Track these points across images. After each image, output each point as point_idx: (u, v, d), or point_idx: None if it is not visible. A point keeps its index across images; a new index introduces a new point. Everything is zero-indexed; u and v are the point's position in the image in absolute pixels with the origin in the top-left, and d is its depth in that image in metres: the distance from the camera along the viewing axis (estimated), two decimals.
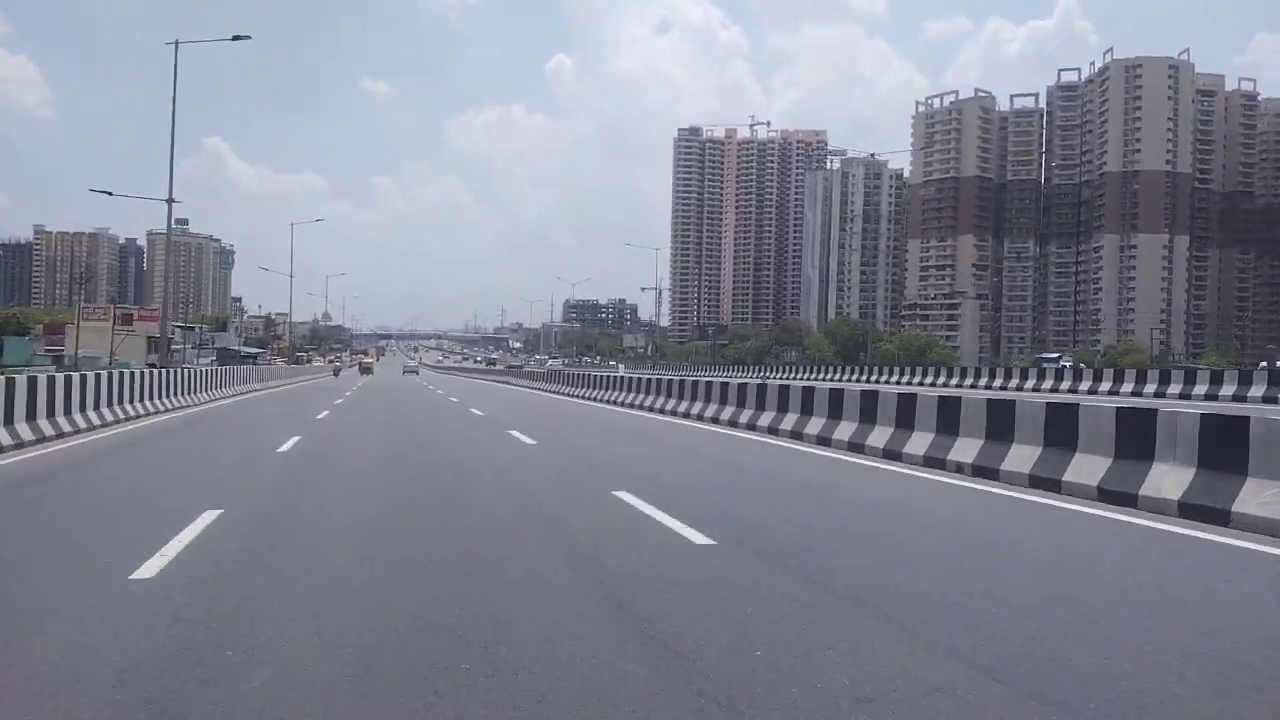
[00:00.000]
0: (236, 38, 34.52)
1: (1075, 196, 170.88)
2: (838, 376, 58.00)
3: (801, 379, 54.09)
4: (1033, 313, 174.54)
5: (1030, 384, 37.61)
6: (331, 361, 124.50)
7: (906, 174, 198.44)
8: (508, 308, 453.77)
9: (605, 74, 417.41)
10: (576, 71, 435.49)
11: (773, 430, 16.94)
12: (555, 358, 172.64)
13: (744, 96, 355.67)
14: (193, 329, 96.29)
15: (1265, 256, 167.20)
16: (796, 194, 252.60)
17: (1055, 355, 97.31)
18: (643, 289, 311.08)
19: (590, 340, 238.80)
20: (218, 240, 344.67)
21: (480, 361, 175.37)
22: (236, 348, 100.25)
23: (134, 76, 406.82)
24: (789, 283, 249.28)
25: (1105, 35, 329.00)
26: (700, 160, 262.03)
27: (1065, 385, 35.73)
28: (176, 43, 32.71)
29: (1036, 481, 9.72)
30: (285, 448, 14.32)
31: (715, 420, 20.01)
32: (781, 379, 51.13)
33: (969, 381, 42.72)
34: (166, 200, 35.49)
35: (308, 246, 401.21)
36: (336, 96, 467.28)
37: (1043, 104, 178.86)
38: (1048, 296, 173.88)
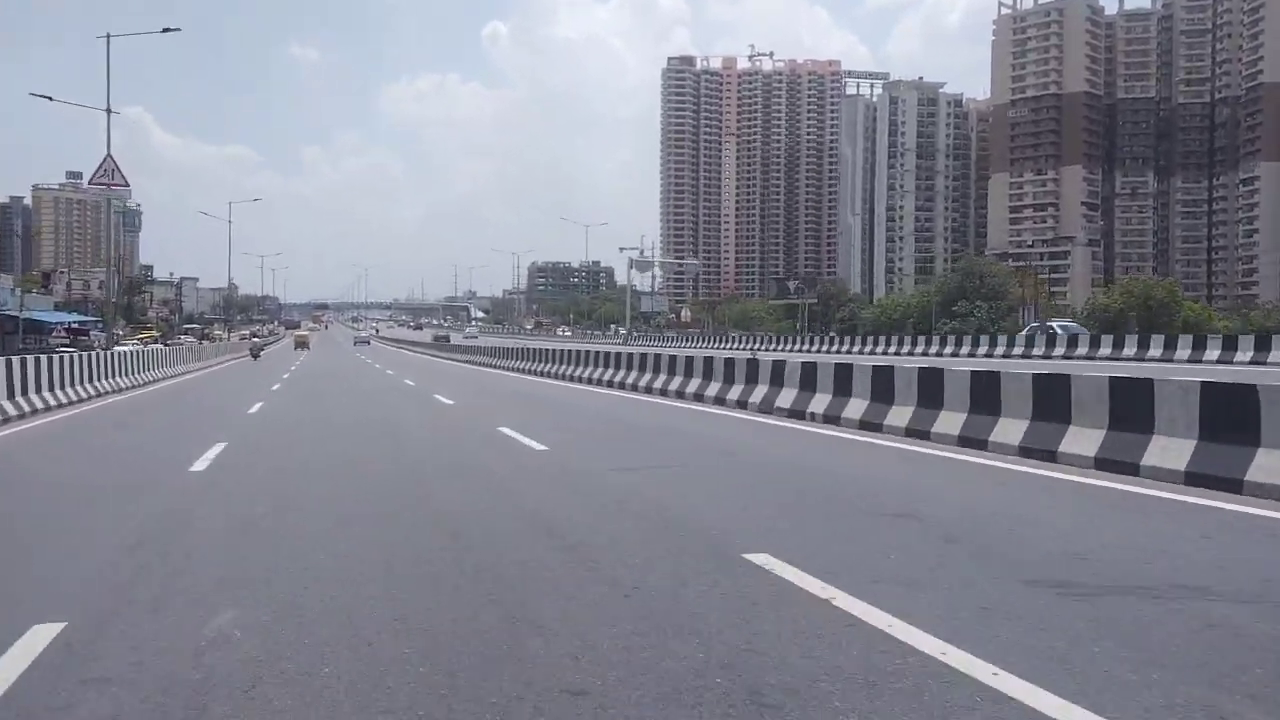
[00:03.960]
0: (166, 30, 34.01)
1: (1207, 118, 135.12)
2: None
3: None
4: (1153, 262, 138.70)
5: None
6: (247, 337, 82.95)
7: (975, 98, 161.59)
8: (460, 275, 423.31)
9: (542, 42, 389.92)
10: (512, 40, 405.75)
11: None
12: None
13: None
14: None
15: None
16: (812, 131, 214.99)
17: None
18: (621, 249, 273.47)
19: (569, 305, 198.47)
20: (119, 199, 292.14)
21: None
22: (41, 317, 55.62)
23: (51, 45, 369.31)
24: (804, 234, 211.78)
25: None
26: (695, 96, 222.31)
27: None
28: (109, 36, 32.32)
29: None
30: None
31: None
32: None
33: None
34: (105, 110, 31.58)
35: (235, 218, 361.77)
36: (264, 64, 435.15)
37: (1158, 5, 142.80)
38: (1170, 242, 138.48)
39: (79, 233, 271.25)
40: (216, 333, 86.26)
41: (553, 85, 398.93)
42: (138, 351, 31.13)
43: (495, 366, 39.77)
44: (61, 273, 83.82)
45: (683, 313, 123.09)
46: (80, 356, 21.49)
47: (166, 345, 49.24)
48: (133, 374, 26.41)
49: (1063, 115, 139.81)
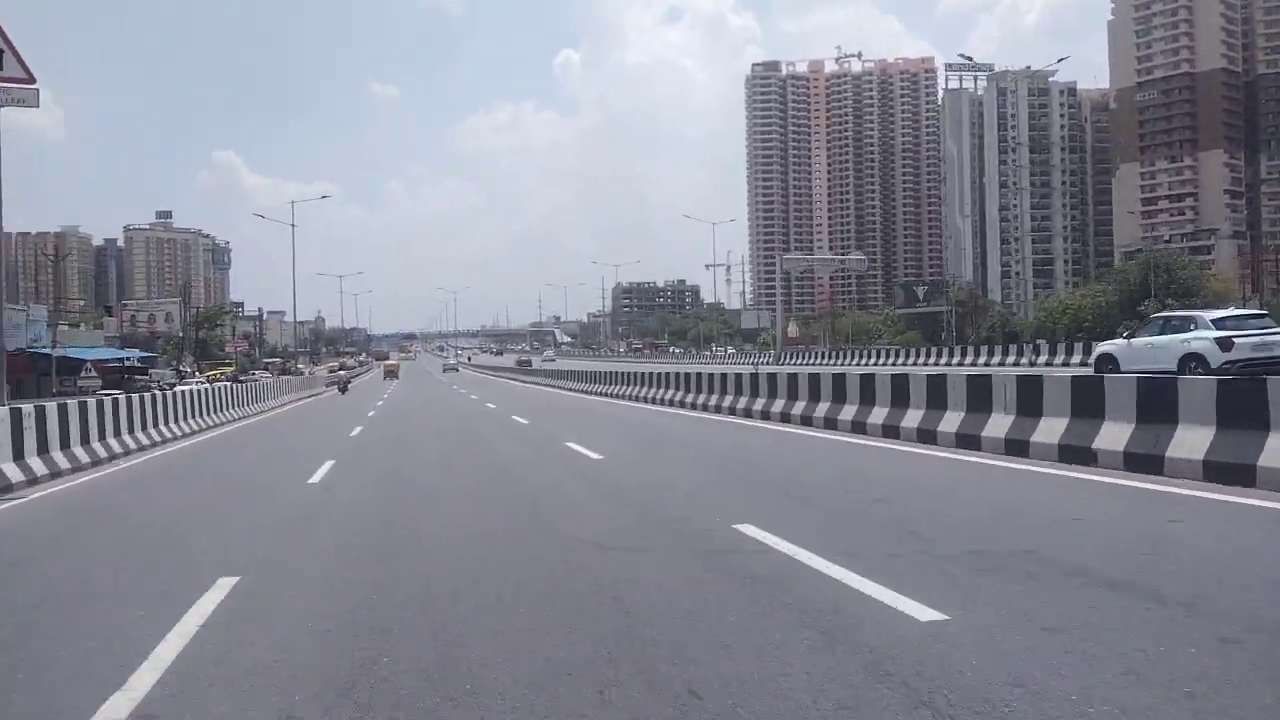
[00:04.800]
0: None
1: None
2: None
3: None
4: None
5: None
6: (334, 370, 76.74)
7: (1091, 85, 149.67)
8: (544, 299, 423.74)
9: (613, 67, 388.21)
10: (584, 67, 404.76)
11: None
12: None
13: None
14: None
15: None
16: (907, 132, 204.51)
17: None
18: (707, 266, 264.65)
19: (661, 325, 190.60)
20: (208, 236, 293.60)
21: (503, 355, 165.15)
22: (89, 359, 47.95)
23: (142, 95, 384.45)
24: (904, 241, 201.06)
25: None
26: (781, 102, 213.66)
27: None
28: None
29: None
30: None
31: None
32: None
33: None
34: None
35: (319, 251, 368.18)
36: (346, 103, 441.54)
37: None
38: None
39: (169, 271, 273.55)
40: (298, 366, 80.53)
41: (625, 109, 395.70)
42: (196, 392, 24.49)
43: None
44: (125, 305, 78.44)
45: (789, 327, 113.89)
46: (100, 404, 15.91)
47: (238, 382, 42.62)
48: (184, 419, 21.28)
49: (1197, 96, 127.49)
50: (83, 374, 39.41)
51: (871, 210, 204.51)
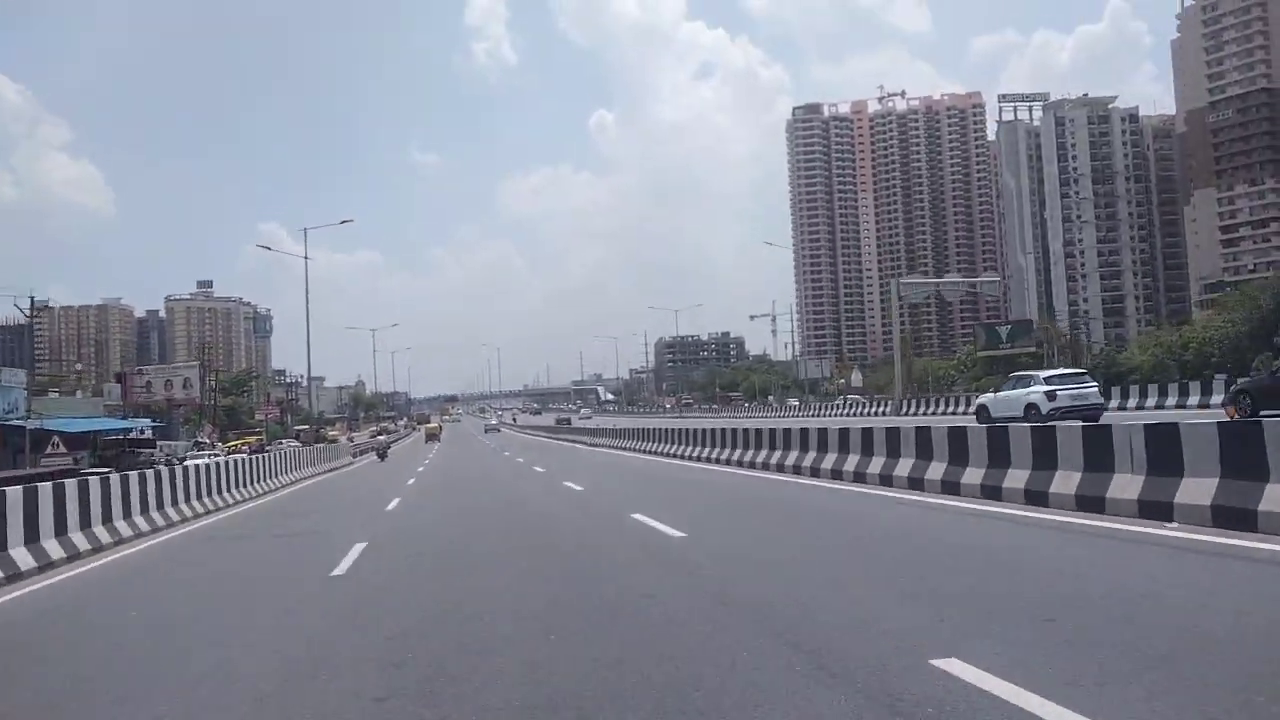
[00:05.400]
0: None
1: None
2: None
3: None
4: None
5: None
6: (379, 434, 70.97)
7: (1150, 112, 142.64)
8: (586, 357, 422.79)
9: (648, 125, 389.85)
10: (619, 126, 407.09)
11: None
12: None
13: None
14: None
15: None
16: (957, 170, 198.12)
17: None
18: (751, 317, 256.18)
19: (709, 379, 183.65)
20: (250, 305, 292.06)
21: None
22: (71, 431, 39.55)
23: (188, 173, 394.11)
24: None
25: (1161, 35, 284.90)
26: (824, 144, 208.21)
27: None
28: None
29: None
30: None
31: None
32: None
33: None
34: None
35: (362, 318, 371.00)
36: (388, 172, 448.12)
37: None
38: None
39: (211, 341, 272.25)
40: (332, 433, 74.92)
41: (661, 166, 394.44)
42: (202, 468, 19.04)
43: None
44: (139, 372, 72.78)
45: (852, 376, 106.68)
46: (59, 490, 12.61)
47: (263, 452, 36.65)
48: (181, 503, 17.77)
49: (1279, 113, 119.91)
50: (49, 450, 33.25)
51: (923, 251, 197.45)
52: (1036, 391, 24.58)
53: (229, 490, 21.32)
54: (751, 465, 21.56)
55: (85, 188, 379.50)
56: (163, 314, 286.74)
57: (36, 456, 32.98)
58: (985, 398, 29.23)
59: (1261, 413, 18.33)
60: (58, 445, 33.12)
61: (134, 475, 15.93)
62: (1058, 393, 24.02)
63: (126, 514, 14.83)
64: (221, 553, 12.90)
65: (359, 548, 11.17)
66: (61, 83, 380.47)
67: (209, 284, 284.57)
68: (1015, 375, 29.75)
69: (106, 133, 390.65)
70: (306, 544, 12.89)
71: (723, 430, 26.15)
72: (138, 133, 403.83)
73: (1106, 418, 20.91)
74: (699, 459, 25.99)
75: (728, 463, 23.38)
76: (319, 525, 15.38)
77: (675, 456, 28.83)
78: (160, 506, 16.34)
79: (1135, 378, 52.56)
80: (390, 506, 17.81)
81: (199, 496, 18.88)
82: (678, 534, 10.61)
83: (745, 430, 24.02)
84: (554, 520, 13.85)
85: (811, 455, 18.24)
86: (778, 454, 20.25)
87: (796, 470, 18.42)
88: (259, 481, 25.35)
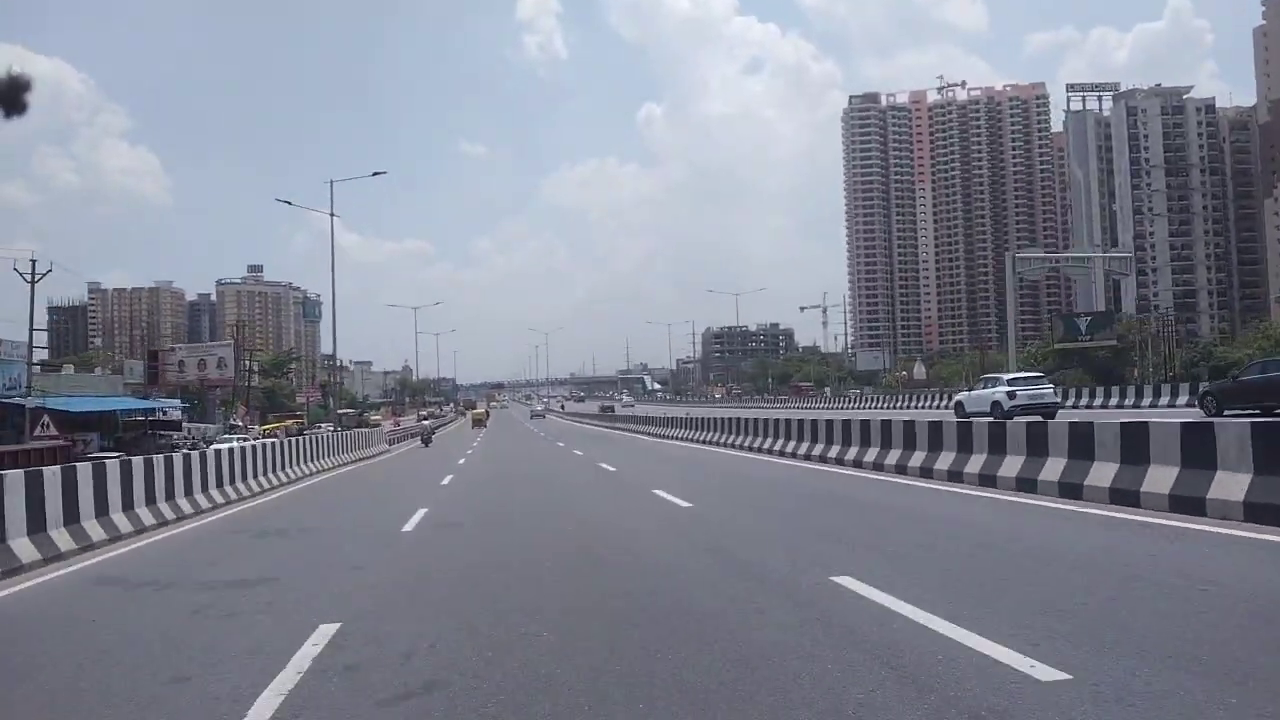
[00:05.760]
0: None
1: None
2: None
3: None
4: None
5: None
6: (424, 418, 68.65)
7: (1226, 103, 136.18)
8: (632, 347, 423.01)
9: (696, 119, 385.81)
10: (666, 120, 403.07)
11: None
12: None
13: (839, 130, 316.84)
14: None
15: None
16: (1019, 162, 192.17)
17: None
18: (802, 308, 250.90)
19: (758, 370, 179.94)
20: (299, 289, 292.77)
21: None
22: (62, 407, 36.13)
23: (244, 163, 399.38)
24: (1017, 278, 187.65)
25: (1223, 33, 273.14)
26: (881, 135, 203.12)
27: None
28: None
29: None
30: None
31: None
32: None
33: None
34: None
35: (414, 307, 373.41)
36: (437, 163, 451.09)
37: None
38: None
39: (260, 324, 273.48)
40: (374, 417, 72.49)
41: (708, 160, 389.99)
42: (224, 453, 17.24)
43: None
44: (171, 350, 70.44)
45: (915, 369, 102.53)
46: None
47: (301, 434, 34.19)
48: (196, 492, 15.70)
49: None
50: (38, 430, 30.56)
51: (983, 245, 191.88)
52: (1000, 391, 28.31)
53: (253, 478, 18.86)
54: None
55: (143, 175, 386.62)
56: (213, 298, 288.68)
57: (34, 434, 30.78)
58: (962, 395, 33.85)
59: (1225, 412, 21.38)
60: (47, 425, 30.45)
61: (138, 461, 13.53)
62: (1017, 392, 27.85)
63: (129, 505, 12.70)
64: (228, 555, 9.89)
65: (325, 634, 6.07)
66: (122, 71, 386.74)
67: (259, 268, 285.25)
68: (985, 377, 33.86)
69: (165, 121, 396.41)
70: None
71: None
72: (196, 122, 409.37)
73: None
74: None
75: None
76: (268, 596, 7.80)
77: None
78: (157, 500, 13.70)
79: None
80: (410, 525, 12.29)
81: (213, 486, 16.47)
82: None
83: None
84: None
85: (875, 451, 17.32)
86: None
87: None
88: (298, 464, 22.97)
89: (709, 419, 33.56)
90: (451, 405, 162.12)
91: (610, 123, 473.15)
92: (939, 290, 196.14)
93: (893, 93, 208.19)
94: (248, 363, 60.91)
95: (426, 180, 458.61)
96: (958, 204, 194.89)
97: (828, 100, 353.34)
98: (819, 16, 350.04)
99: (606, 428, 59.52)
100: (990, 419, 14.85)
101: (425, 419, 72.24)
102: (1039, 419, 15.21)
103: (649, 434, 42.17)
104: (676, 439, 35.25)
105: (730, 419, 30.09)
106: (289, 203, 70.14)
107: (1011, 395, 27.40)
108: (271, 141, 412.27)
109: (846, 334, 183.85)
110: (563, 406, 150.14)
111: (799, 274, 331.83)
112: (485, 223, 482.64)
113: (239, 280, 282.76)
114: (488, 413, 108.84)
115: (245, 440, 32.57)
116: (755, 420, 26.63)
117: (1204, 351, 61.57)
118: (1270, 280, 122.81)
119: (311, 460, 25.89)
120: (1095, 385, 53.32)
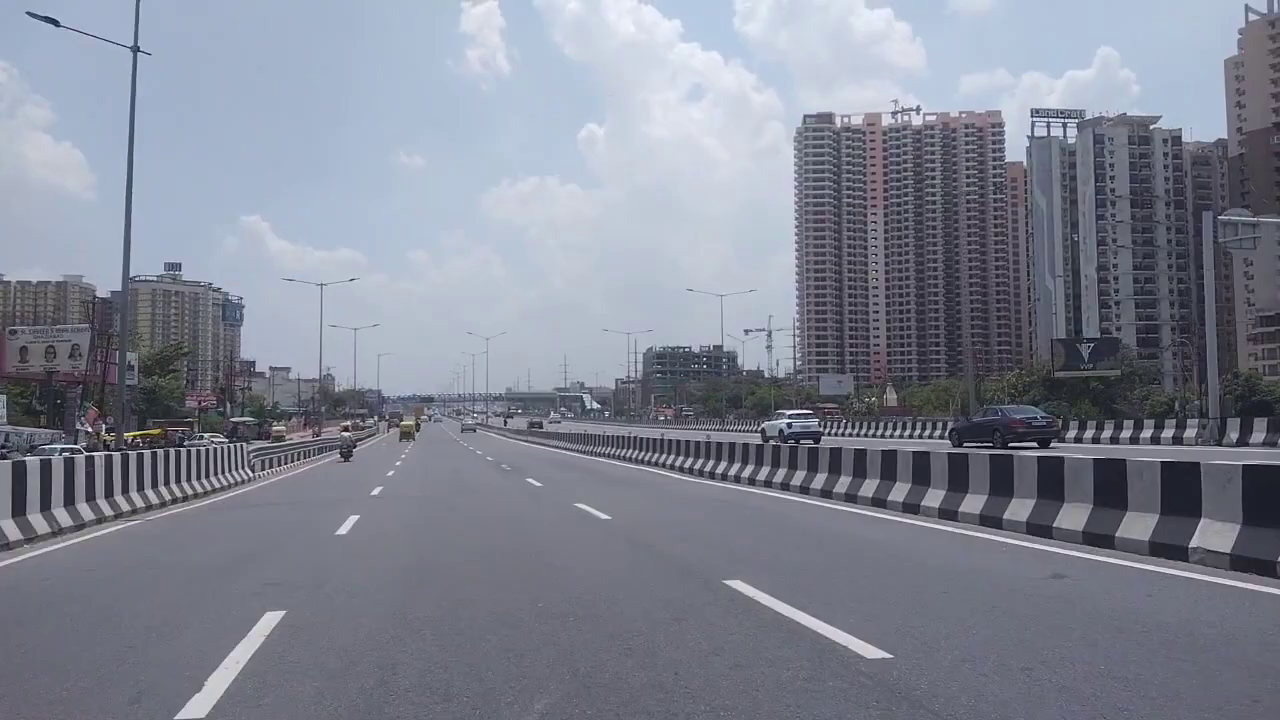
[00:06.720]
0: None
1: None
2: None
3: None
4: None
5: None
6: (346, 429, 58.92)
7: (1193, 136, 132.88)
8: (569, 365, 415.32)
9: (637, 142, 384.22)
10: (608, 141, 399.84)
11: None
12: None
13: (779, 159, 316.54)
14: None
15: None
16: (973, 190, 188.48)
17: None
18: (746, 331, 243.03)
19: (708, 392, 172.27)
20: (219, 290, 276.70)
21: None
22: None
23: (173, 162, 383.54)
24: (969, 305, 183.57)
25: (1148, 85, 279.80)
26: (835, 155, 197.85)
27: None
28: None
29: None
30: None
31: None
32: None
33: None
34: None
35: (342, 316, 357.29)
36: (373, 172, 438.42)
37: None
38: None
39: (175, 325, 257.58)
40: (278, 428, 62.25)
41: (648, 183, 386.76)
42: None
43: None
44: (13, 332, 58.87)
45: (885, 395, 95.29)
46: None
47: (170, 447, 24.45)
48: None
49: None
50: None
51: (934, 271, 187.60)
52: (782, 422, 40.48)
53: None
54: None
55: (66, 170, 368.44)
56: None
57: None
58: (765, 424, 44.99)
59: (965, 444, 28.07)
60: None
61: None
62: (792, 423, 39.53)
63: None
64: None
65: None
66: (47, 63, 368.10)
67: (177, 266, 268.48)
68: (778, 411, 48.77)
69: (91, 120, 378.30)
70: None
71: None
72: (122, 120, 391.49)
73: None
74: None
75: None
76: None
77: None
78: None
79: None
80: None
81: None
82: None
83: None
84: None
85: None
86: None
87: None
88: (86, 500, 13.78)
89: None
90: (376, 418, 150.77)
91: (552, 140, 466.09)
92: (889, 319, 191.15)
93: (847, 114, 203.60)
94: (104, 351, 49.58)
95: (362, 189, 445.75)
96: (909, 230, 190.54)
97: (768, 129, 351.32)
98: (760, 48, 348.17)
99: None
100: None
101: (346, 430, 62.94)
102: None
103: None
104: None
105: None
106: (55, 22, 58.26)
107: (789, 425, 38.78)
108: (205, 145, 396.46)
109: (795, 357, 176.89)
110: (505, 422, 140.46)
111: (739, 299, 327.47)
112: (421, 235, 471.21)
113: (154, 278, 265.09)
114: (418, 425, 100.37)
115: (93, 451, 23.11)
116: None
117: (1246, 384, 55.10)
118: (1238, 315, 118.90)
119: (201, 476, 16.32)
120: (1098, 417, 46.38)
